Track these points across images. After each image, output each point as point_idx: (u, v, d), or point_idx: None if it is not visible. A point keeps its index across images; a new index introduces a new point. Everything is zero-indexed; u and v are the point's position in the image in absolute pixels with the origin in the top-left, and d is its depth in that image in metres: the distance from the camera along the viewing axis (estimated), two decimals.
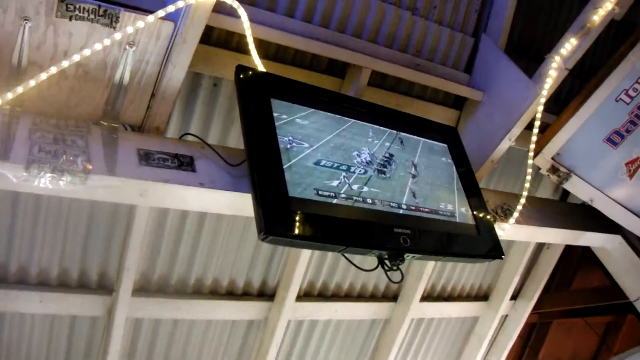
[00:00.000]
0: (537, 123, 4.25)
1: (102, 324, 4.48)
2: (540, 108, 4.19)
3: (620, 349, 9.47)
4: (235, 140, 4.22)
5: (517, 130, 4.31)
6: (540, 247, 6.64)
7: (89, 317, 4.45)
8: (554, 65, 4.12)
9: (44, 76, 2.69)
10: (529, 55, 5.28)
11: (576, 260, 8.17)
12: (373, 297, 5.83)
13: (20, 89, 2.65)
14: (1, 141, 2.65)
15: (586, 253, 7.51)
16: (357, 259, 3.63)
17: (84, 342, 4.55)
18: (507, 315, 6.95)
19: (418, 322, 6.28)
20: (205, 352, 5.15)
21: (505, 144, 4.36)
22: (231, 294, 4.97)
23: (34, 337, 4.36)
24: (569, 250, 7.41)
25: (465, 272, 6.34)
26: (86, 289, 4.34)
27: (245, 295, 5.04)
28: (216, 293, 4.90)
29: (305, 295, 5.33)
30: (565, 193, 6.02)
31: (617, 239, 5.14)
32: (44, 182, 2.66)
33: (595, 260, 5.77)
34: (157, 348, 4.90)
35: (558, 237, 4.97)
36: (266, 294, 5.14)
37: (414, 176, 3.63)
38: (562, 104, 5.25)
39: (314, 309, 5.34)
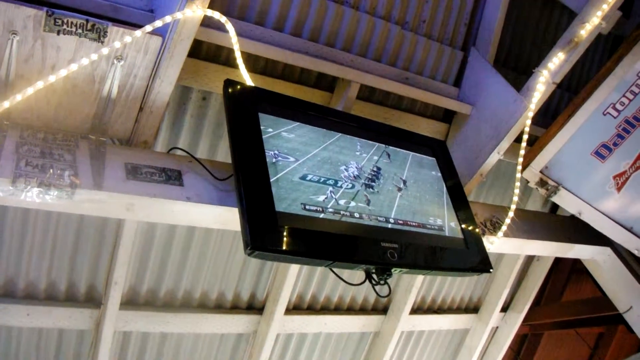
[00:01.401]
0: (525, 136, 4.27)
1: (90, 338, 4.46)
2: (529, 122, 4.20)
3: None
4: (224, 154, 4.22)
5: (505, 143, 4.32)
6: (530, 259, 6.65)
7: (77, 331, 4.43)
8: (542, 79, 4.15)
9: (31, 90, 2.69)
10: (518, 69, 5.31)
11: (567, 271, 8.19)
12: (363, 310, 5.82)
13: (7, 103, 2.64)
14: None
15: (577, 264, 7.54)
16: (346, 272, 3.63)
17: (72, 355, 4.53)
18: (497, 328, 6.95)
19: (408, 334, 6.27)
20: None
21: (494, 157, 4.37)
22: (220, 308, 4.96)
23: (21, 350, 4.33)
24: (559, 262, 7.43)
25: (455, 285, 6.34)
26: (74, 302, 4.33)
27: (234, 308, 5.03)
28: (205, 306, 4.88)
29: (295, 309, 5.32)
30: (555, 205, 6.04)
31: (606, 250, 5.16)
32: (31, 196, 2.66)
33: (586, 272, 5.78)
34: (149, 353, 4.89)
35: (547, 249, 4.98)
36: (255, 308, 5.12)
37: (401, 190, 3.62)
38: (551, 117, 5.29)
39: (303, 322, 5.33)
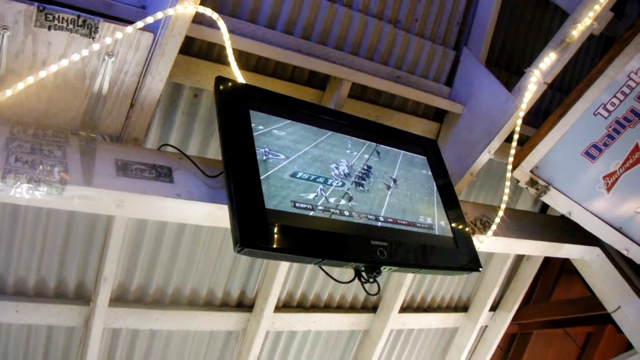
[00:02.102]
0: (516, 136, 4.26)
1: (79, 334, 4.46)
2: (519, 121, 4.20)
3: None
4: (215, 151, 4.22)
5: (496, 143, 4.33)
6: (520, 259, 6.67)
7: (66, 327, 4.42)
8: (533, 79, 4.15)
9: (21, 86, 2.68)
10: (510, 68, 5.32)
11: (557, 271, 8.22)
12: (352, 308, 5.82)
13: None
14: None
15: (567, 264, 7.57)
16: (335, 270, 3.63)
17: (61, 352, 4.53)
18: (486, 326, 6.96)
19: (397, 333, 6.28)
20: None
21: (485, 157, 4.38)
22: (209, 305, 4.96)
23: (10, 347, 4.33)
24: (549, 261, 7.45)
25: (444, 283, 6.35)
26: (63, 299, 4.32)
27: (223, 306, 5.03)
28: (194, 304, 4.88)
29: (284, 306, 5.32)
30: (545, 205, 6.05)
31: (596, 250, 5.18)
32: (20, 192, 2.65)
33: (575, 272, 5.80)
34: (135, 359, 4.87)
35: (536, 249, 4.99)
36: (245, 305, 5.12)
37: (391, 188, 3.63)
38: (542, 117, 5.31)
39: (292, 320, 5.33)
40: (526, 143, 4.63)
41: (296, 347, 5.72)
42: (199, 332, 5.03)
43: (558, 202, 4.71)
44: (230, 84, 3.21)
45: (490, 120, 4.33)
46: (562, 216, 4.94)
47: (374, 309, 5.90)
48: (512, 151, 4.36)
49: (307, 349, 5.79)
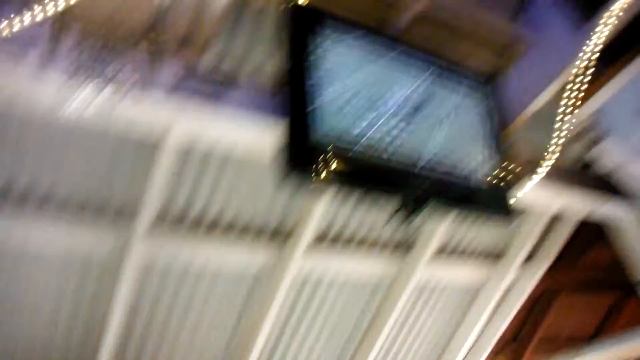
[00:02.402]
0: (580, 79, 4.09)
1: (116, 260, 4.39)
2: (585, 64, 4.03)
3: (621, 329, 9.48)
4: (275, 69, 4.08)
5: (558, 84, 4.20)
6: (555, 218, 6.53)
7: (103, 251, 4.36)
8: (612, 17, 3.93)
9: None
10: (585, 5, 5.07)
11: (589, 235, 8.11)
12: (382, 253, 5.70)
13: None
14: (48, 50, 2.65)
15: (600, 229, 7.44)
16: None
17: (95, 280, 4.49)
18: (514, 282, 6.84)
19: (425, 283, 6.20)
20: (210, 305, 5.14)
21: (544, 97, 4.24)
22: (245, 233, 4.88)
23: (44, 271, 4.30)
24: (583, 225, 7.34)
25: (477, 234, 6.26)
26: (102, 226, 4.25)
27: (258, 236, 4.95)
28: (231, 234, 4.79)
29: (318, 241, 5.22)
30: (590, 163, 5.89)
31: (635, 212, 5.08)
32: (84, 94, 2.68)
33: (607, 238, 5.70)
34: (169, 284, 4.84)
35: (577, 204, 4.93)
36: (278, 241, 5.03)
37: (442, 126, 3.62)
38: (609, 63, 5.09)
39: (323, 261, 5.29)
40: (589, 87, 4.41)
41: (322, 293, 5.69)
42: (229, 274, 5.02)
43: (611, 153, 4.59)
44: (295, 3, 3.21)
45: (556, 59, 4.20)
46: (607, 175, 4.81)
47: (404, 253, 5.78)
48: (573, 94, 4.18)
49: (331, 298, 5.77)
